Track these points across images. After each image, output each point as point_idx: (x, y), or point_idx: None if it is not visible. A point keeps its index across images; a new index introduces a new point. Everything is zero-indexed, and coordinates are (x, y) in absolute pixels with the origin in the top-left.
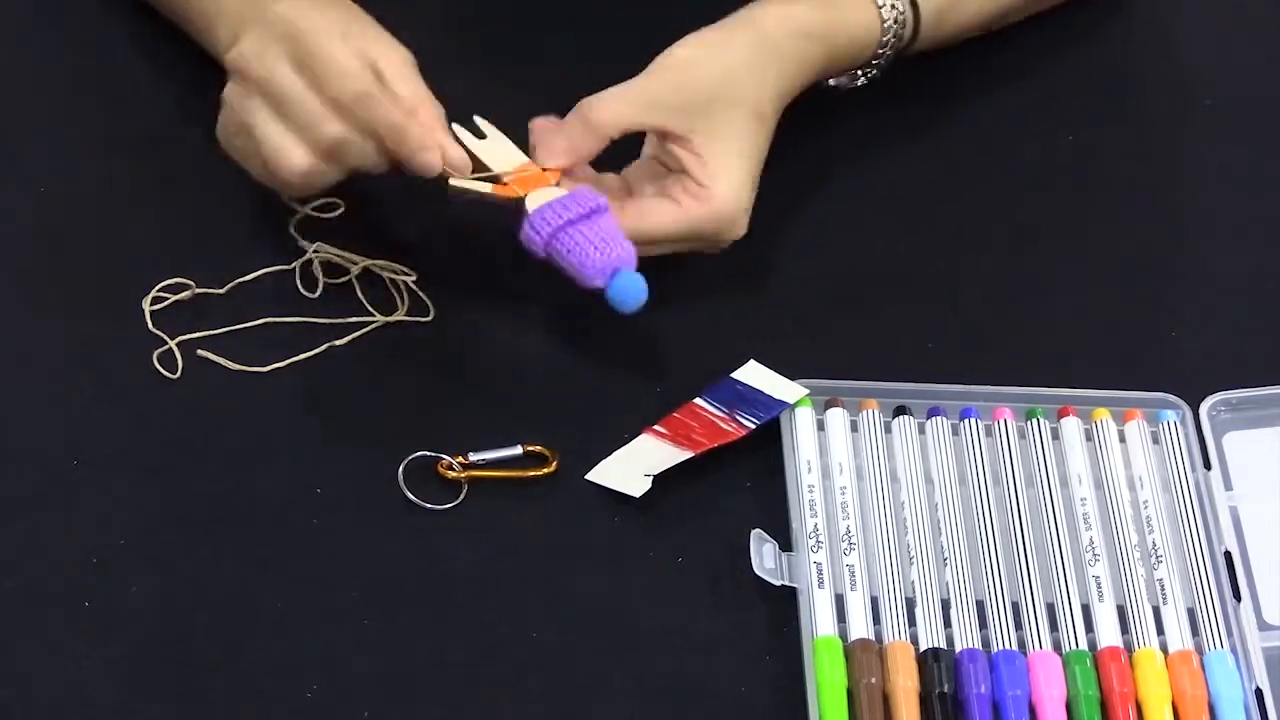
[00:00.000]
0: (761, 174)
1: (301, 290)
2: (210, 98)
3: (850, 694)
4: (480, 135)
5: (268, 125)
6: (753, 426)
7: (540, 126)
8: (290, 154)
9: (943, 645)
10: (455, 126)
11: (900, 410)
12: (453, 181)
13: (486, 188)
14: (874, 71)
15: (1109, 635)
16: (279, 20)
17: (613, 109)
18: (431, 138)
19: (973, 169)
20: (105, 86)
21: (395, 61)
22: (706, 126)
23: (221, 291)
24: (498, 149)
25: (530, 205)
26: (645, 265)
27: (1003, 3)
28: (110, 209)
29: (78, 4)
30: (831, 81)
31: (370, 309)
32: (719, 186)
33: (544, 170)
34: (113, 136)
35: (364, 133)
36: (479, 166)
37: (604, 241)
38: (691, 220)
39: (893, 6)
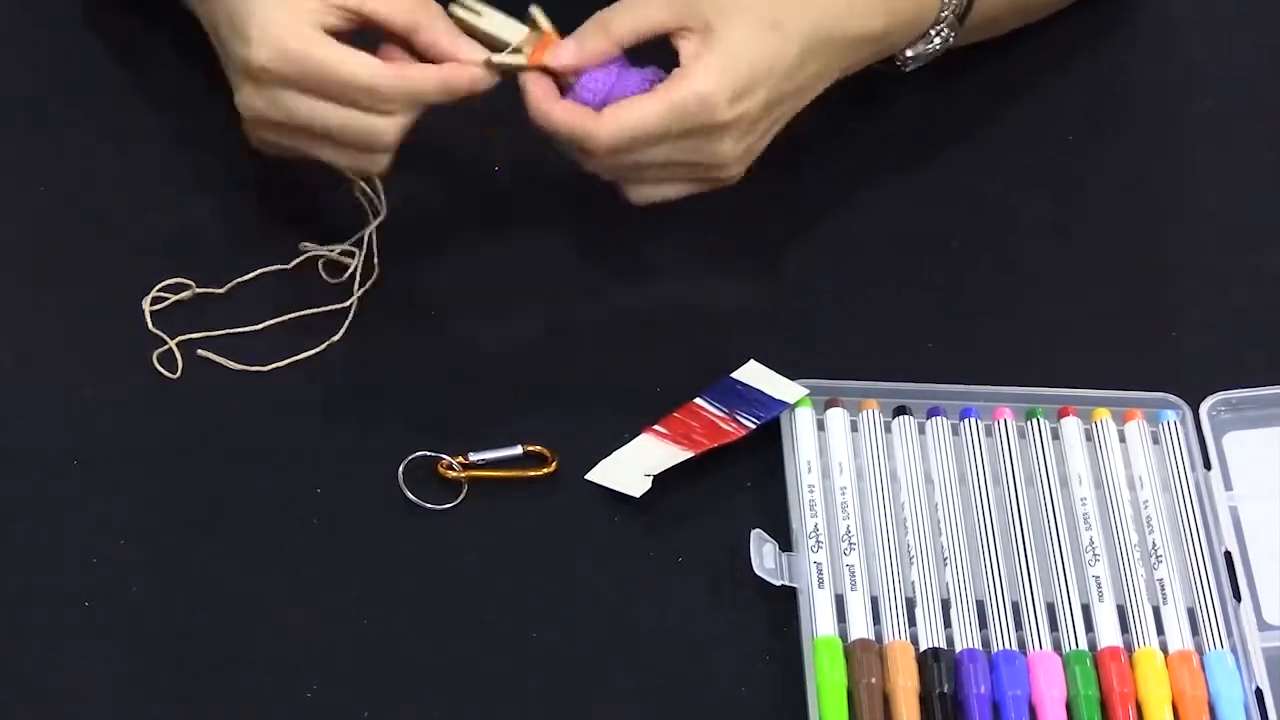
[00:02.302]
0: (776, 137)
1: (301, 290)
2: (211, 97)
3: (850, 694)
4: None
5: (326, 152)
6: (753, 426)
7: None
8: (363, 165)
9: (943, 645)
10: (453, 7)
11: (900, 410)
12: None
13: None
14: (945, 32)
15: (1109, 635)
16: (260, 71)
17: (627, 15)
18: (462, 71)
19: (973, 169)
20: (105, 86)
21: None
22: (713, 20)
23: (221, 291)
24: (497, 21)
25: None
26: (655, 256)
27: None
28: (110, 209)
29: (78, 4)
30: (910, 53)
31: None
32: (698, 65)
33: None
34: (113, 136)
35: (410, 106)
36: (485, 41)
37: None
38: (668, 104)
39: None
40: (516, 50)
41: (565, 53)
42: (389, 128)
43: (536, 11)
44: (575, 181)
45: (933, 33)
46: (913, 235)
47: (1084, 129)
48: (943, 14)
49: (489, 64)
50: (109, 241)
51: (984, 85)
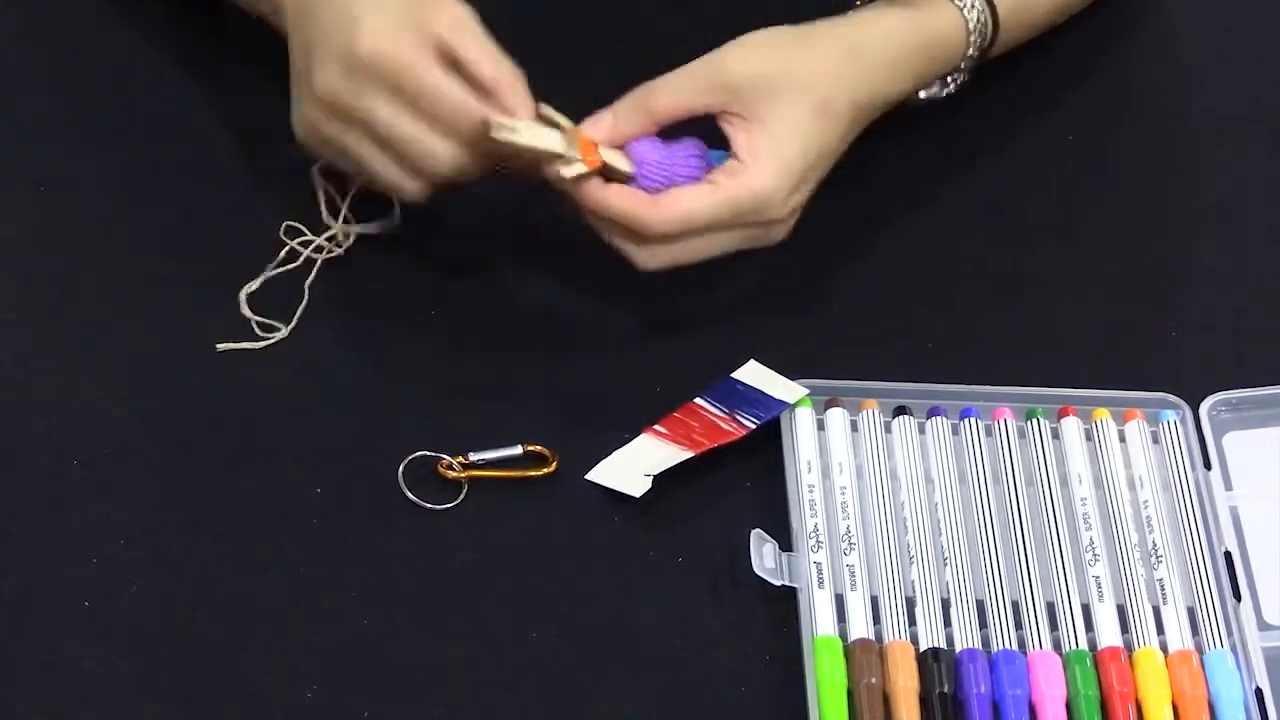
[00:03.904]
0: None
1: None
2: (212, 98)
3: (850, 694)
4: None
5: (376, 160)
6: (753, 426)
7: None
8: (406, 185)
9: (943, 645)
10: (494, 131)
11: (900, 410)
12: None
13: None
14: (961, 77)
15: (1109, 635)
16: (364, 58)
17: (669, 96)
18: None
19: (973, 169)
20: (106, 86)
21: (466, 36)
22: (763, 109)
23: (223, 284)
24: (535, 132)
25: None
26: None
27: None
28: (110, 208)
29: (78, 4)
30: (922, 94)
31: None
32: (757, 163)
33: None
34: (110, 136)
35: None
36: (529, 155)
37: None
38: (725, 199)
39: (973, 6)
40: (575, 160)
41: (600, 126)
42: (451, 156)
43: (548, 110)
44: None
45: (949, 78)
46: (912, 235)
47: (1084, 129)
48: (962, 64)
49: (559, 177)
50: (108, 241)
51: (984, 87)
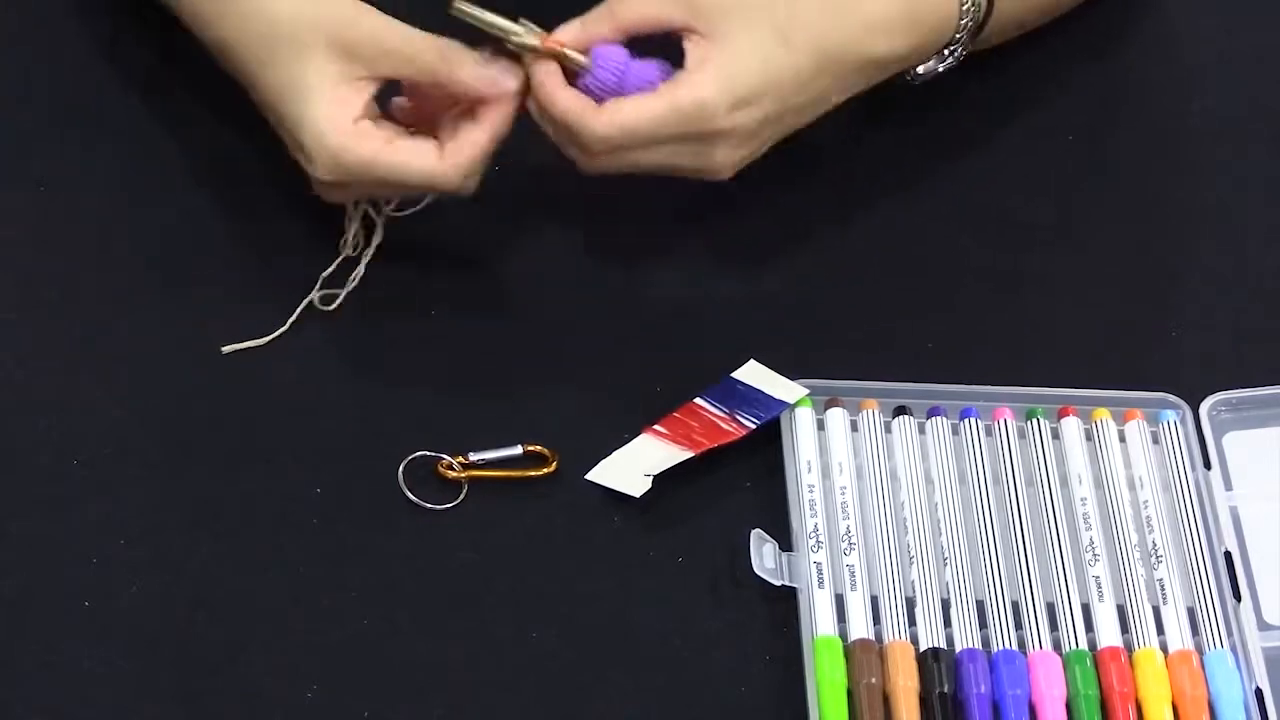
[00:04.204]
0: (778, 140)
1: (300, 279)
2: (212, 98)
3: (850, 694)
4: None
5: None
6: (753, 426)
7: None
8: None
9: (943, 645)
10: (456, 6)
11: (900, 410)
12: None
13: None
14: (958, 50)
15: (1109, 635)
16: (333, 165)
17: (636, 6)
18: (502, 114)
19: (973, 170)
20: (106, 86)
21: (400, 66)
22: (722, 25)
23: (222, 286)
24: (499, 21)
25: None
26: (655, 256)
27: None
28: (110, 208)
29: (78, 4)
30: (920, 69)
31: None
32: (702, 71)
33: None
34: (110, 135)
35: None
36: (490, 34)
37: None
38: (667, 105)
39: None
40: (529, 33)
41: (568, 31)
42: (441, 189)
43: (526, 24)
44: (576, 181)
45: (946, 51)
46: (913, 235)
47: (1084, 129)
48: (958, 35)
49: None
50: (108, 241)
51: (984, 86)
